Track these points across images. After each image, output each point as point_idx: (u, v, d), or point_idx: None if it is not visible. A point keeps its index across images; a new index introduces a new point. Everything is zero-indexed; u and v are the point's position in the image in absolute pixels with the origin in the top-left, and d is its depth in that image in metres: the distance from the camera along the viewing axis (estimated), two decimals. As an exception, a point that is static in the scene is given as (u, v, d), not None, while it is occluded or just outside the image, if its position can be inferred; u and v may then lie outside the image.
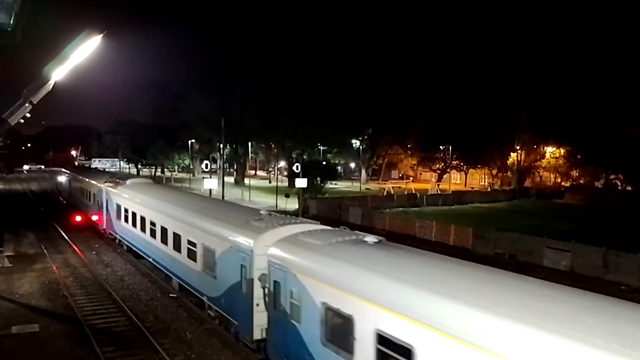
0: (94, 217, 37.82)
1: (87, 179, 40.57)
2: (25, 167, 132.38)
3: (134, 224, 26.75)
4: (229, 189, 59.08)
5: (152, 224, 23.82)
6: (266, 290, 14.01)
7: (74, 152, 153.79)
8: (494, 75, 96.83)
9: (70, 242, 33.34)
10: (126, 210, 28.31)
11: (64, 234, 36.09)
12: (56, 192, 61.65)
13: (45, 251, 30.70)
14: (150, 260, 24.71)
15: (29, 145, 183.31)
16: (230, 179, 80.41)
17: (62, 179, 57.08)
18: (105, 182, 33.66)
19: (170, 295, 22.05)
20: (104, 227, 33.74)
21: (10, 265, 26.97)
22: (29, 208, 51.71)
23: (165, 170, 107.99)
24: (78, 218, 38.63)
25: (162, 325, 18.63)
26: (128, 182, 31.58)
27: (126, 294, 22.44)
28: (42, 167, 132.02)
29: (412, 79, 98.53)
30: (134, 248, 27.56)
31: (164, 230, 22.40)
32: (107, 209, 32.73)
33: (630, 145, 75.68)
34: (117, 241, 31.39)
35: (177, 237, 20.78)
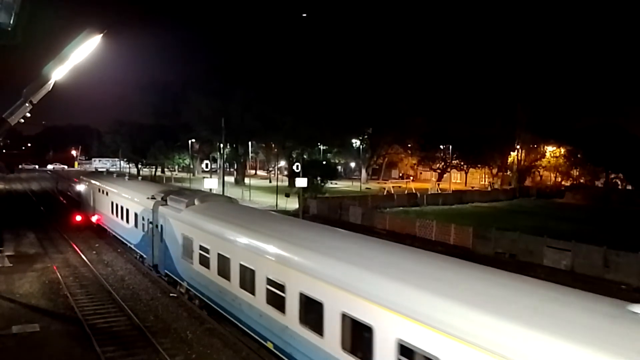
0: (94, 218, 37.48)
1: (123, 193, 29.93)
2: (50, 166, 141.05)
3: (224, 274, 16.81)
4: (229, 189, 59.13)
5: (276, 286, 13.66)
6: None
7: (74, 152, 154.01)
8: (494, 74, 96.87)
9: (70, 241, 33.35)
10: (205, 250, 18.20)
11: (64, 233, 36.11)
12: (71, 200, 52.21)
13: (45, 251, 30.72)
14: (269, 345, 14.47)
15: (29, 145, 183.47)
16: (230, 179, 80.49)
17: (81, 188, 43.35)
18: (154, 198, 24.23)
19: (171, 294, 22.05)
20: (153, 262, 24.33)
21: (11, 265, 26.97)
22: (30, 208, 51.71)
23: (166, 170, 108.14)
24: (78, 218, 38.67)
25: (163, 325, 18.64)
26: (197, 201, 20.94)
27: (126, 293, 22.45)
28: (65, 167, 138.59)
29: (413, 79, 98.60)
30: (218, 308, 17.56)
31: (311, 304, 12.26)
32: (161, 239, 22.72)
33: (631, 144, 75.66)
34: (182, 289, 21.46)
35: (359, 328, 10.65)
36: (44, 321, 18.79)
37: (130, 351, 16.31)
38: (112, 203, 31.65)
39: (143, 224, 25.59)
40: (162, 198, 23.60)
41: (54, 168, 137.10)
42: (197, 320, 19.03)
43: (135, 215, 26.88)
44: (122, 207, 29.58)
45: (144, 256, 26.06)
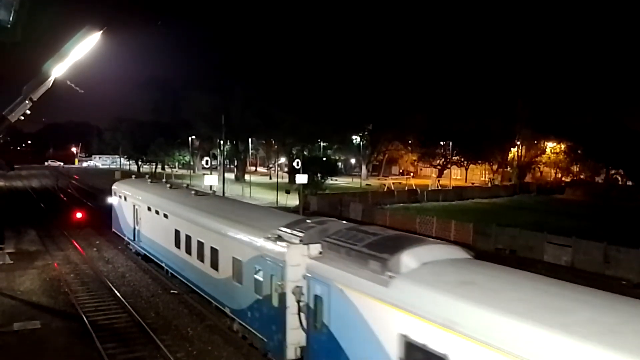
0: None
1: (205, 222, 19.44)
2: (85, 164, 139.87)
3: None
4: (230, 186, 59.16)
5: None
6: None
7: (74, 149, 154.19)
8: (494, 70, 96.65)
9: (71, 239, 33.37)
10: None
11: (64, 231, 36.12)
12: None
13: (46, 248, 30.75)
14: None
15: (29, 142, 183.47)
16: (230, 176, 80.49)
17: (115, 200, 32.25)
18: (282, 239, 14.07)
19: (172, 291, 22.09)
20: (286, 354, 13.71)
21: (12, 262, 27.01)
22: (30, 205, 51.72)
23: (166, 167, 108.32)
24: (79, 215, 38.67)
25: (164, 322, 18.67)
26: (412, 259, 10.77)
27: (127, 290, 22.47)
28: (99, 165, 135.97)
29: (413, 75, 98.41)
30: None
31: None
32: (316, 324, 12.63)
33: (631, 140, 75.60)
34: None
35: None
36: (45, 318, 18.82)
37: (131, 348, 16.35)
38: (178, 233, 21.62)
39: (258, 282, 14.86)
40: (301, 240, 13.50)
41: (88, 166, 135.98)
42: (198, 317, 19.06)
43: (238, 263, 16.07)
44: (200, 244, 19.22)
45: (259, 336, 15.18)
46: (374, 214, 45.17)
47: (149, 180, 33.45)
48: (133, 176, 37.05)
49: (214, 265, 18.07)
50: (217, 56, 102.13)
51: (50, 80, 11.68)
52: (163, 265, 24.23)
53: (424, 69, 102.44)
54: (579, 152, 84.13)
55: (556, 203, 65.93)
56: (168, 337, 17.22)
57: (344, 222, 15.65)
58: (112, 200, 33.01)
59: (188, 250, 20.65)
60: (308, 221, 15.31)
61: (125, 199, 29.93)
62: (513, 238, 33.13)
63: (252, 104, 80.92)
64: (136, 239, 27.92)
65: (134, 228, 27.98)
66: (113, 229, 32.67)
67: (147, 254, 26.40)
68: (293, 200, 51.76)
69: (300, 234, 13.86)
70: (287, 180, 72.97)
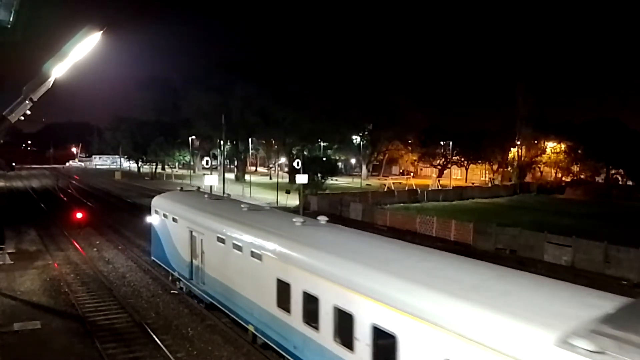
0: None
1: (361, 287, 10.87)
2: (126, 163, 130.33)
3: None
4: (230, 186, 59.19)
5: None
6: None
7: (74, 149, 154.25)
8: (495, 70, 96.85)
9: (71, 239, 33.37)
10: None
11: (65, 231, 36.12)
12: None
13: (46, 248, 30.75)
14: None
15: (29, 142, 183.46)
16: (230, 175, 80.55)
17: (156, 219, 24.66)
18: None
19: (172, 291, 22.08)
20: None
21: (12, 262, 27.01)
22: (30, 205, 51.71)
23: (166, 166, 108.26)
24: (79, 215, 38.62)
25: (164, 322, 18.66)
26: None
27: (127, 290, 22.47)
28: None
29: (413, 74, 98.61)
30: None
31: None
32: None
33: (631, 140, 75.63)
34: None
35: None
36: (45, 318, 18.81)
37: (131, 348, 16.34)
38: (286, 288, 13.55)
39: None
40: None
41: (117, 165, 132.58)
42: (198, 317, 19.05)
43: None
44: (344, 316, 11.26)
45: None
46: (374, 213, 45.20)
47: (206, 195, 25.23)
48: (178, 188, 28.41)
49: None
50: (217, 55, 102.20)
51: (51, 80, 11.66)
52: (249, 328, 15.98)
53: (424, 68, 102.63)
54: (579, 151, 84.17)
55: (556, 203, 65.90)
56: (168, 337, 17.22)
57: None
58: (152, 220, 25.38)
59: (311, 320, 12.56)
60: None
61: (174, 220, 22.12)
62: (513, 238, 33.11)
63: (252, 103, 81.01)
64: (194, 278, 20.22)
65: (191, 263, 20.35)
66: (153, 257, 25.49)
67: (217, 305, 18.34)
68: (293, 200, 51.79)
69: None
70: (287, 180, 73.04)
